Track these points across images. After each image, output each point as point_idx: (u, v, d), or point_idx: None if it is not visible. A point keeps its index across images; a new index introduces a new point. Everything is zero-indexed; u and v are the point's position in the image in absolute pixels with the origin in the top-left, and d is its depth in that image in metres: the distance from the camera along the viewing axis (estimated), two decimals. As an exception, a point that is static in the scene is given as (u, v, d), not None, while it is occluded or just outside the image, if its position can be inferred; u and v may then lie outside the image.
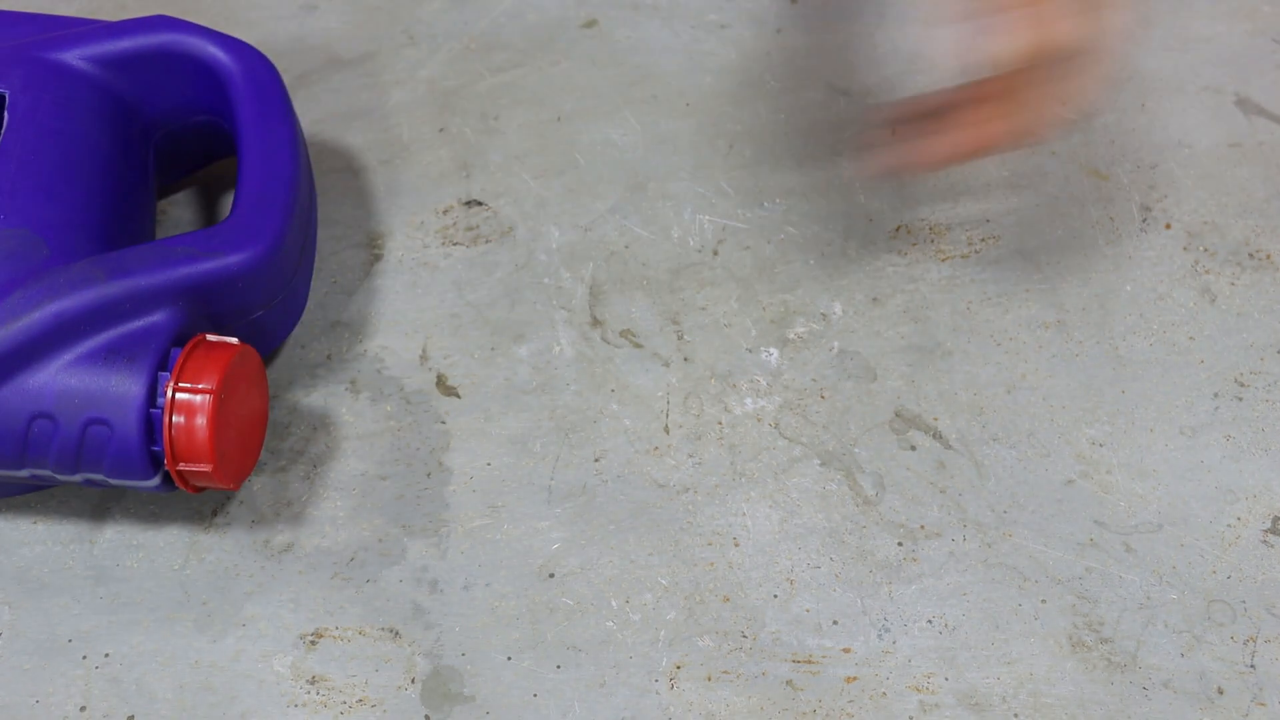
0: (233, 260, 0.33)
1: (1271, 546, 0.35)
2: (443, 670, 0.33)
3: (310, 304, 0.40)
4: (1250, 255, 0.41)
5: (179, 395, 0.31)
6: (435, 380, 0.39)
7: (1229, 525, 0.36)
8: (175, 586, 0.34)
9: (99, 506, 0.36)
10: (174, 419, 0.31)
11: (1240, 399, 0.38)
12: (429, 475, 0.37)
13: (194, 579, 0.34)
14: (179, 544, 0.35)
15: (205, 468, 0.31)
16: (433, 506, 0.36)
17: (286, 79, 0.42)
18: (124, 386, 0.31)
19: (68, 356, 0.31)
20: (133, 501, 0.36)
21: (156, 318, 0.32)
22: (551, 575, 0.35)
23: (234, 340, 0.33)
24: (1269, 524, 0.36)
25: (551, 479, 0.37)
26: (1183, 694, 0.33)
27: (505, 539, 0.35)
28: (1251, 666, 0.33)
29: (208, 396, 0.31)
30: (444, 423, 0.38)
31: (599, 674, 0.33)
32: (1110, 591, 0.34)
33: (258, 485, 0.36)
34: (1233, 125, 0.45)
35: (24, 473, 0.32)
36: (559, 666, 0.33)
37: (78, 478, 0.32)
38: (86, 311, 0.31)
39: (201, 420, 0.31)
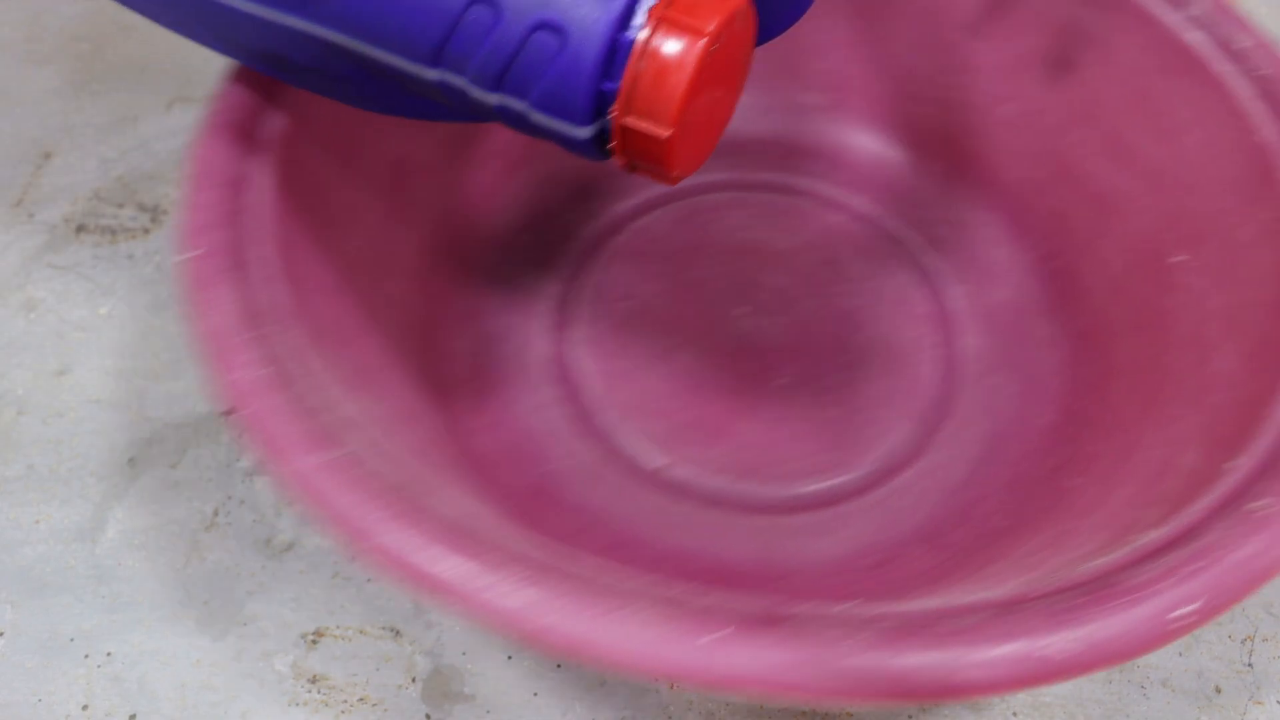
0: None
1: (1269, 546, 0.35)
2: (443, 669, 0.33)
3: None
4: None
5: (662, 29, 0.23)
6: (436, 380, 0.39)
7: (1227, 525, 0.36)
8: (176, 586, 0.34)
9: (101, 506, 0.36)
10: (648, 53, 0.23)
11: (1238, 399, 0.38)
12: (429, 475, 0.37)
13: (195, 578, 0.34)
14: (180, 543, 0.35)
15: (662, 131, 0.24)
16: (433, 506, 0.36)
17: None
18: None
19: None
20: (135, 501, 0.36)
21: None
22: (552, 574, 0.35)
23: None
24: (1267, 523, 0.36)
25: (552, 478, 0.37)
26: (1180, 692, 0.33)
27: (505, 538, 0.35)
28: (1249, 665, 0.33)
29: (699, 40, 0.23)
30: (444, 422, 0.38)
31: (599, 673, 0.33)
32: (1108, 591, 0.35)
33: (259, 484, 0.36)
34: (1231, 126, 0.45)
35: (434, 74, 0.25)
36: (559, 665, 0.33)
37: (494, 98, 0.24)
38: None
39: (683, 67, 0.23)
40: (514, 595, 0.22)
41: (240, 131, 0.30)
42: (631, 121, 0.24)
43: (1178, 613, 0.22)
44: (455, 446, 0.34)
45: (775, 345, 0.39)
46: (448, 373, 0.36)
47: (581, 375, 0.38)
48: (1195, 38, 0.34)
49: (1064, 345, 0.38)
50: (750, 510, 0.35)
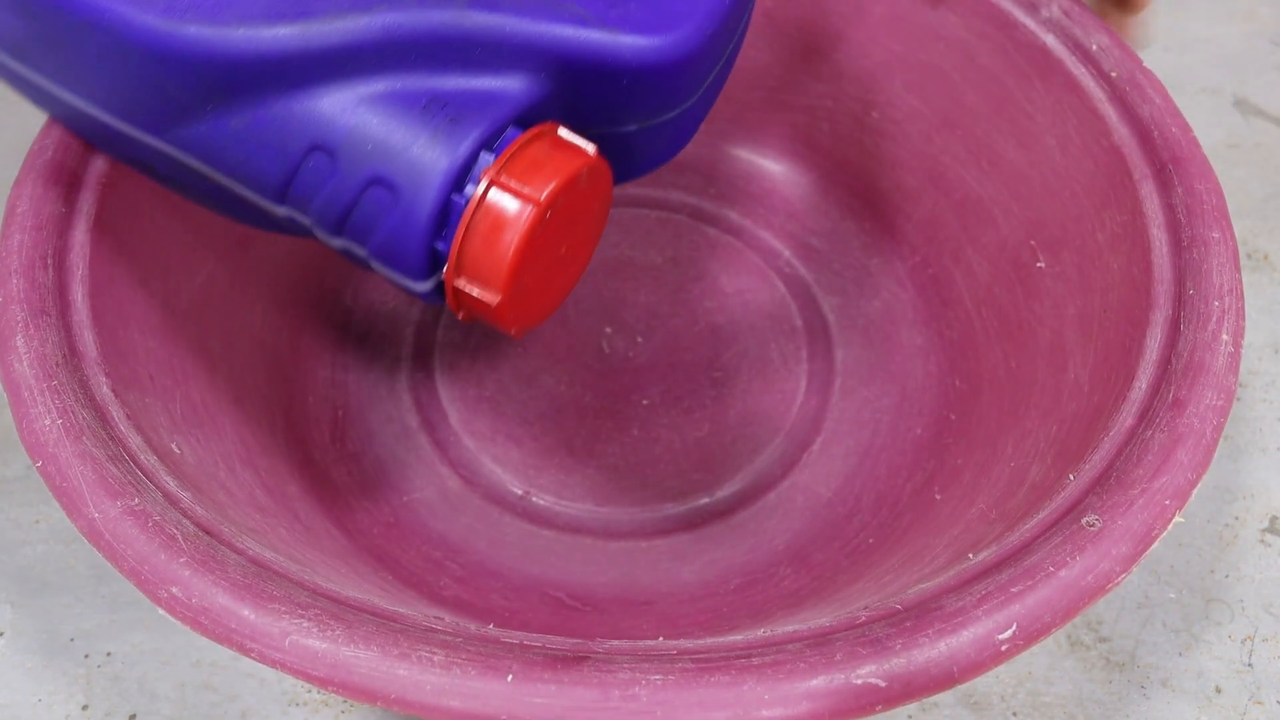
0: (627, 44, 0.23)
1: (1269, 546, 0.35)
2: (443, 669, 0.33)
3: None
4: (1248, 256, 0.42)
5: (496, 190, 0.22)
6: (436, 380, 0.39)
7: (1227, 525, 0.36)
8: (176, 586, 0.34)
9: (100, 506, 0.36)
10: (477, 217, 0.22)
11: (1238, 399, 0.38)
12: (429, 475, 0.37)
13: (195, 578, 0.34)
14: (180, 543, 0.35)
15: (491, 297, 0.23)
16: (433, 506, 0.36)
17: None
18: (433, 152, 0.22)
19: (379, 87, 0.23)
20: (134, 501, 0.36)
21: (508, 83, 0.23)
22: (551, 574, 0.35)
23: (590, 147, 0.24)
24: (1266, 523, 0.36)
25: (552, 478, 0.37)
26: (1181, 693, 0.33)
27: (505, 538, 0.35)
28: (1249, 665, 0.33)
29: (530, 206, 0.22)
30: (444, 422, 0.38)
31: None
32: (1108, 591, 0.35)
33: (259, 485, 0.36)
34: (1231, 126, 0.45)
35: (282, 210, 0.25)
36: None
37: (337, 242, 0.24)
38: (426, 38, 0.23)
39: (512, 235, 0.22)
40: (304, 643, 0.21)
41: (64, 169, 0.28)
42: (462, 284, 0.23)
43: (997, 638, 0.21)
44: (305, 481, 0.33)
45: (643, 364, 0.37)
46: (304, 404, 0.35)
47: (442, 402, 0.36)
48: (1050, 40, 0.33)
49: (937, 355, 0.37)
50: (612, 536, 0.34)
